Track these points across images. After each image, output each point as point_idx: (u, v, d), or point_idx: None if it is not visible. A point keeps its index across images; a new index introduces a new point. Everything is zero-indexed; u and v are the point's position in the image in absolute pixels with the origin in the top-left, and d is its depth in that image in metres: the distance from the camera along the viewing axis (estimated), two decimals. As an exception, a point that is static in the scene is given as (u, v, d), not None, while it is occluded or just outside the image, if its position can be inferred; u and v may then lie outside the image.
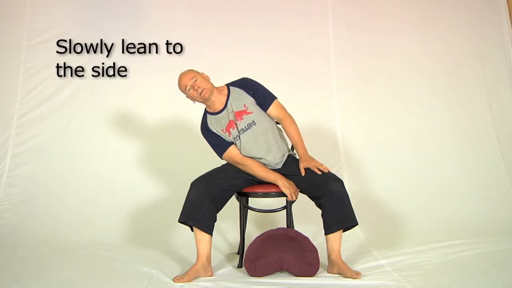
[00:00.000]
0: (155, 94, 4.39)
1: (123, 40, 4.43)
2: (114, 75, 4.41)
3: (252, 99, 3.12)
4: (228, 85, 3.18)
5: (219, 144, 3.14)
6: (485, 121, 4.50)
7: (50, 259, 3.28)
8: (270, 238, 3.00)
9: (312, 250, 2.95)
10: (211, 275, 2.97)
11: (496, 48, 4.63)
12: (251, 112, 3.10)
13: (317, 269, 2.94)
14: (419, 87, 4.52)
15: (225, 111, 3.11)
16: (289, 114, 3.17)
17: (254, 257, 2.94)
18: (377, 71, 4.53)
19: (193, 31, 4.49)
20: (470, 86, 4.56)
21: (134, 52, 4.43)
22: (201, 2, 4.54)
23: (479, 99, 4.54)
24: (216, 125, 3.13)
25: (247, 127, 3.10)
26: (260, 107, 3.13)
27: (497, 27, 4.65)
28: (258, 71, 4.33)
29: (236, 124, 3.10)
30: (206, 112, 3.18)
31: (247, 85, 3.14)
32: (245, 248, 3.18)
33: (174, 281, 2.86)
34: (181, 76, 3.11)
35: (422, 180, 4.28)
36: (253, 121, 3.10)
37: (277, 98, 3.16)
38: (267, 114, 3.16)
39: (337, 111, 4.45)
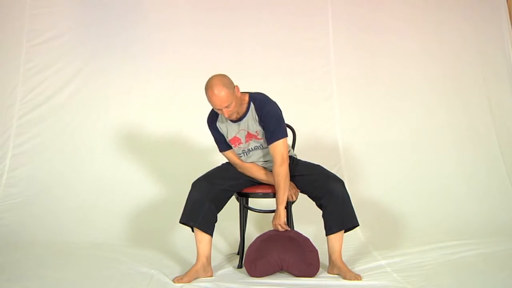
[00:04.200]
0: (155, 94, 4.39)
1: (123, 40, 4.43)
2: (114, 75, 4.41)
3: (262, 129, 3.02)
4: (250, 99, 2.99)
5: (222, 141, 3.11)
6: (485, 121, 4.50)
7: (50, 260, 3.28)
8: (270, 239, 3.00)
9: (312, 250, 2.95)
10: (211, 276, 2.97)
11: (496, 48, 4.64)
12: (261, 139, 3.04)
13: (317, 270, 2.94)
14: (419, 87, 4.52)
15: (237, 124, 3.02)
16: (281, 160, 2.95)
17: (254, 258, 2.94)
18: (377, 71, 4.53)
19: (193, 31, 4.49)
20: (470, 86, 4.56)
21: (134, 52, 4.43)
22: (201, 2, 4.54)
23: (479, 99, 4.54)
24: (224, 128, 3.07)
25: (253, 149, 3.08)
26: (265, 138, 3.03)
27: (497, 27, 4.65)
28: (258, 71, 4.37)
29: (242, 144, 3.05)
30: None
31: (262, 114, 2.95)
32: (245, 249, 3.18)
33: (174, 282, 2.86)
34: (215, 94, 2.80)
35: (422, 180, 4.28)
36: (261, 145, 3.07)
37: (284, 137, 2.97)
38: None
39: (337, 111, 4.45)
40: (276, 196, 3.01)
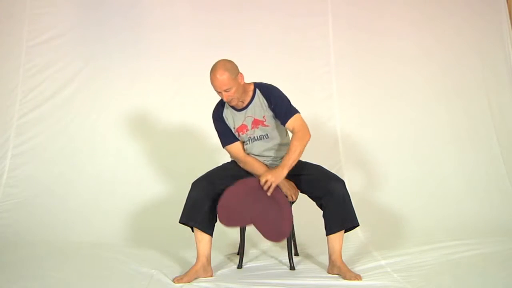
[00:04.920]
0: (155, 94, 4.39)
1: (123, 40, 4.43)
2: (114, 75, 4.41)
3: (272, 112, 3.05)
4: (255, 86, 3.08)
5: (226, 134, 3.11)
6: (485, 121, 4.50)
7: (50, 260, 3.28)
8: (253, 194, 2.91)
9: (288, 219, 2.90)
10: (211, 276, 2.97)
11: (496, 48, 4.64)
12: (268, 126, 3.07)
13: (286, 237, 2.94)
14: (419, 87, 4.53)
15: (243, 112, 3.07)
16: (304, 130, 3.00)
17: (231, 210, 2.89)
18: (377, 71, 4.53)
19: (193, 31, 4.49)
20: (470, 86, 4.56)
21: (134, 52, 4.43)
22: (201, 2, 4.54)
23: (479, 99, 4.54)
24: (231, 118, 3.10)
25: (259, 138, 3.09)
26: (279, 120, 3.04)
27: (497, 27, 4.65)
28: (258, 71, 4.32)
29: (248, 130, 3.08)
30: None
31: (271, 98, 3.03)
32: (245, 248, 3.19)
33: (174, 282, 2.86)
34: (216, 77, 2.90)
35: (422, 180, 4.28)
36: (267, 134, 3.08)
37: (299, 113, 3.05)
38: (285, 128, 3.07)
39: (337, 111, 4.45)
40: (284, 158, 2.95)
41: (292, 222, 2.95)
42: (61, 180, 4.17)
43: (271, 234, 2.90)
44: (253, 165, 3.09)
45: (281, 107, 3.02)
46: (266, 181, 2.87)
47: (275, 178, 2.88)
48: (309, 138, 3.01)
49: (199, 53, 4.42)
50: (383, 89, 4.51)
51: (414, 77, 4.54)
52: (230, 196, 2.91)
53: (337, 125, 4.42)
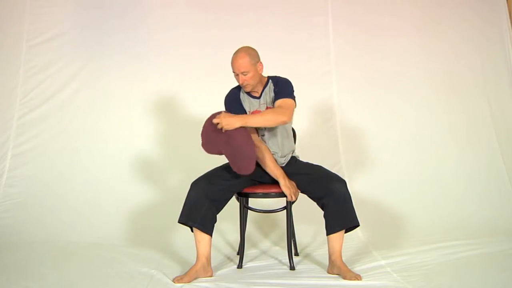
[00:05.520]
0: (155, 94, 4.39)
1: (123, 40, 4.43)
2: (114, 75, 4.41)
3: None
4: (269, 77, 3.20)
5: None
6: (485, 121, 4.50)
7: (50, 260, 3.28)
8: (226, 137, 2.96)
9: (247, 157, 2.94)
10: (211, 276, 2.97)
11: (496, 48, 4.63)
12: None
13: (248, 173, 2.95)
14: (419, 87, 4.52)
15: (258, 100, 3.15)
16: (286, 111, 3.00)
17: (205, 138, 3.00)
18: (377, 71, 4.53)
19: (193, 31, 4.49)
20: (470, 86, 4.56)
21: (134, 52, 4.43)
22: (201, 1, 4.54)
23: (479, 99, 4.54)
24: (246, 103, 3.17)
25: (269, 128, 3.13)
26: (275, 97, 3.11)
27: (497, 27, 4.65)
28: (258, 71, 4.36)
29: None
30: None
31: (279, 82, 3.14)
32: (245, 249, 3.19)
33: (174, 282, 2.87)
34: (237, 59, 3.03)
35: (422, 180, 4.28)
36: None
37: (292, 99, 3.07)
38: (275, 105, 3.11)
39: (337, 111, 4.45)
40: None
41: (254, 162, 2.95)
42: (61, 180, 4.17)
43: (235, 167, 2.96)
44: (265, 153, 3.10)
45: (283, 89, 3.09)
46: (217, 123, 2.91)
47: (226, 122, 2.89)
48: (285, 121, 3.01)
49: (200, 53, 4.42)
50: (383, 89, 4.51)
51: (414, 77, 4.53)
52: (207, 125, 2.99)
53: (337, 124, 4.42)
